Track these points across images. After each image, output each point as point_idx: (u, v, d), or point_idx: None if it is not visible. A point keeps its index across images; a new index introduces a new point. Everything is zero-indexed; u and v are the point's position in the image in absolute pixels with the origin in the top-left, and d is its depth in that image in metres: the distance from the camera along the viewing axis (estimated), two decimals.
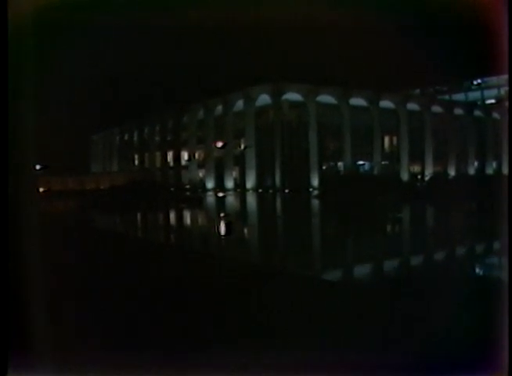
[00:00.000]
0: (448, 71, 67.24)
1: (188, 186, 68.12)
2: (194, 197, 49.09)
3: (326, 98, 65.42)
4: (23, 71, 5.54)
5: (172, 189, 54.98)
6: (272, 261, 13.00)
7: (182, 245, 17.20)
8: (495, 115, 76.74)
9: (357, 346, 5.36)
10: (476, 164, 77.30)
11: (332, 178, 55.01)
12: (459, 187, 37.84)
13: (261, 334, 5.84)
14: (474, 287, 8.94)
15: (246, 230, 21.05)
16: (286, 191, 59.79)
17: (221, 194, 58.21)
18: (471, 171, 75.33)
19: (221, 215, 24.38)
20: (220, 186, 67.56)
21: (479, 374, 4.47)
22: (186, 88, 70.92)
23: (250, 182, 65.19)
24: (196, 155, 75.13)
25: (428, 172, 68.32)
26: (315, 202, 40.83)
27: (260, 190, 63.00)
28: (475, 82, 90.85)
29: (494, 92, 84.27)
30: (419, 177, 67.88)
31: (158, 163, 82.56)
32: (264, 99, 63.59)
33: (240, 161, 67.25)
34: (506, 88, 52.92)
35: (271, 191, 61.24)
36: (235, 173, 69.15)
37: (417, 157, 71.87)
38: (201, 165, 73.98)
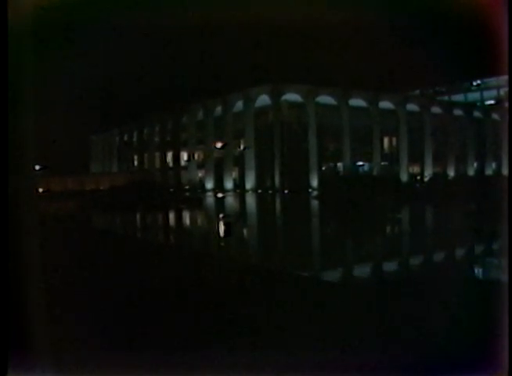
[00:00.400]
0: (447, 72, 67.26)
1: (187, 187, 68.08)
2: (194, 197, 49.07)
3: (325, 99, 65.42)
4: (23, 71, 5.54)
5: (172, 189, 54.93)
6: (271, 261, 13.00)
7: (181, 245, 17.19)
8: (495, 116, 76.77)
9: (357, 346, 5.36)
10: (475, 164, 77.31)
11: (331, 178, 54.91)
12: (458, 188, 37.83)
13: (261, 334, 5.84)
14: (474, 287, 8.94)
15: (245, 231, 21.05)
16: (286, 192, 59.78)
17: (220, 195, 58.20)
18: (471, 172, 75.34)
19: (221, 215, 24.38)
20: (219, 186, 67.53)
21: (479, 374, 4.47)
22: (186, 88, 70.93)
23: (249, 183, 65.17)
24: (196, 156, 75.10)
25: (428, 173, 68.32)
26: (315, 203, 40.81)
27: (259, 191, 62.99)
28: (475, 83, 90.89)
29: (493, 92, 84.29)
30: (418, 178, 67.87)
31: (158, 163, 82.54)
32: (263, 99, 63.58)
33: (240, 162, 67.23)
34: (506, 89, 52.98)
35: (270, 192, 61.23)
36: (234, 174, 69.12)
37: (417, 157, 71.87)
38: (201, 166, 73.94)
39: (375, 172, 65.14)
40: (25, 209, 5.91)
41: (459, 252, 14.60)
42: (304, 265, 12.39)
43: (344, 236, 18.25)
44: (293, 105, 64.79)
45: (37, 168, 38.52)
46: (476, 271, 11.81)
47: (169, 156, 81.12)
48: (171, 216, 31.68)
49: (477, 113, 78.99)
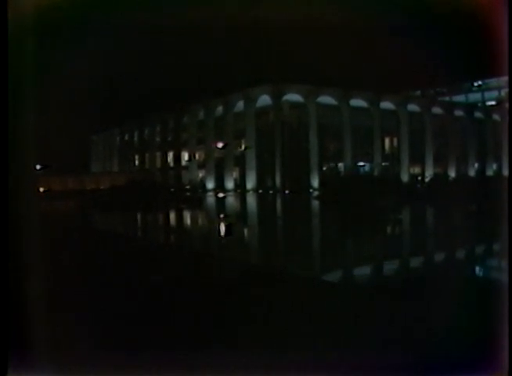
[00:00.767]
0: (448, 73, 67.26)
1: (188, 187, 68.09)
2: (194, 197, 49.06)
3: (326, 99, 65.44)
4: (23, 71, 5.54)
5: (172, 189, 54.93)
6: (271, 261, 12.99)
7: (181, 245, 17.19)
8: (496, 117, 76.75)
9: (357, 346, 5.36)
10: (476, 165, 77.30)
11: (332, 179, 54.95)
12: (459, 189, 37.82)
13: (260, 335, 5.84)
14: (474, 287, 8.94)
15: (246, 231, 21.05)
16: (287, 192, 59.79)
17: (221, 195, 58.21)
18: (472, 172, 75.32)
19: (221, 215, 24.43)
20: (220, 186, 67.56)
21: (479, 374, 4.47)
22: (187, 88, 70.93)
23: (250, 183, 65.19)
24: (197, 155, 75.15)
25: (428, 174, 68.31)
26: (315, 203, 40.82)
27: (260, 191, 63.00)
28: (476, 84, 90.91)
29: (494, 93, 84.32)
30: (419, 178, 67.85)
31: (158, 163, 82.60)
32: (264, 99, 63.61)
33: (241, 162, 67.26)
34: (507, 90, 52.97)
35: (271, 192, 61.24)
36: (235, 174, 69.16)
37: (418, 158, 71.87)
38: (201, 166, 73.99)
39: (376, 173, 65.14)
40: (25, 209, 5.91)
41: (459, 252, 14.59)
42: (305, 266, 12.39)
43: (345, 237, 18.25)
44: (294, 105, 64.83)
45: (38, 167, 38.58)
46: (476, 271, 11.81)
47: (170, 156, 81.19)
48: (172, 216, 31.68)
49: (478, 114, 78.99)
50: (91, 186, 59.94)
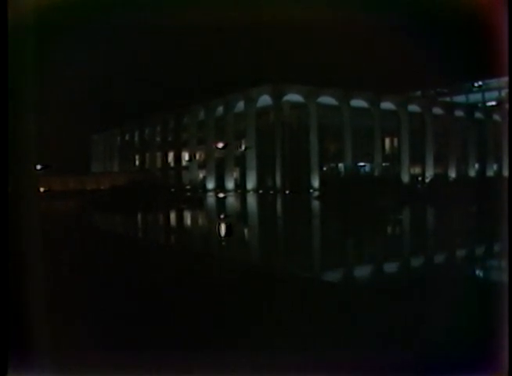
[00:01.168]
0: (449, 73, 67.25)
1: (188, 187, 68.13)
2: (195, 197, 49.06)
3: (326, 99, 65.45)
4: (24, 71, 5.54)
5: (173, 189, 54.94)
6: (271, 261, 12.99)
7: (181, 245, 17.19)
8: (496, 117, 76.75)
9: (357, 346, 5.36)
10: (477, 166, 77.31)
11: (332, 179, 54.93)
12: (459, 189, 37.80)
13: (261, 335, 5.84)
14: (474, 287, 8.94)
15: (246, 231, 21.05)
16: (287, 192, 59.80)
17: (221, 195, 58.22)
18: (472, 173, 75.33)
19: (222, 216, 24.43)
20: (220, 186, 67.59)
21: (479, 374, 4.47)
22: (187, 88, 71.00)
23: (250, 183, 65.20)
24: (197, 156, 75.19)
25: (429, 174, 68.32)
26: (316, 203, 40.82)
27: (260, 191, 63.02)
28: (476, 84, 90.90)
29: (495, 94, 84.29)
30: (419, 179, 67.86)
31: (159, 163, 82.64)
32: (265, 100, 63.62)
33: (241, 162, 67.27)
34: (507, 91, 52.96)
35: (271, 192, 61.25)
36: (235, 174, 69.18)
37: (418, 158, 71.87)
38: (202, 166, 74.02)
39: (376, 173, 65.13)
40: (26, 209, 5.92)
41: (459, 252, 14.59)
42: (305, 266, 12.38)
43: (345, 237, 18.24)
44: (294, 105, 64.83)
45: (38, 167, 38.62)
46: (476, 271, 11.80)
47: (170, 156, 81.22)
48: (172, 216, 31.68)
49: (478, 115, 78.99)
50: (91, 186, 59.96)
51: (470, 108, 79.98)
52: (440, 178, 62.04)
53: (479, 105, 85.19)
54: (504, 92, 75.21)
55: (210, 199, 52.72)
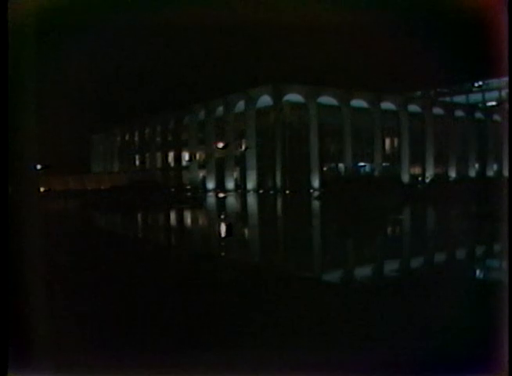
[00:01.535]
0: (449, 73, 67.30)
1: (189, 187, 68.17)
2: (195, 197, 49.07)
3: (327, 99, 65.45)
4: (24, 71, 5.54)
5: (173, 189, 54.96)
6: (271, 261, 12.99)
7: (182, 245, 17.19)
8: (496, 117, 76.77)
9: (357, 346, 5.36)
10: (477, 166, 77.33)
11: (333, 179, 54.93)
12: (459, 189, 37.81)
13: (261, 335, 5.84)
14: (474, 287, 8.93)
15: (246, 231, 21.05)
16: (287, 192, 59.80)
17: (221, 195, 58.23)
18: (472, 173, 75.35)
19: (222, 216, 24.45)
20: (221, 186, 67.62)
21: (479, 374, 4.47)
22: (188, 88, 71.03)
23: (250, 183, 65.21)
24: (197, 156, 75.22)
25: (429, 174, 68.33)
26: (316, 203, 40.82)
27: (261, 191, 63.03)
28: (476, 84, 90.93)
29: (495, 94, 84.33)
30: (420, 179, 67.88)
31: (159, 163, 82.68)
32: (265, 100, 63.64)
33: (241, 162, 67.29)
34: (507, 91, 52.95)
35: (272, 192, 61.26)
36: (236, 174, 69.20)
37: (418, 159, 71.90)
38: (202, 166, 74.05)
39: (376, 173, 65.17)
40: (26, 209, 5.92)
41: (459, 252, 14.58)
42: (305, 266, 12.38)
43: (345, 237, 18.24)
44: (294, 105, 64.82)
45: (38, 167, 38.64)
46: (476, 271, 11.80)
47: (170, 156, 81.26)
48: (172, 216, 31.68)
49: (478, 115, 79.02)
50: (91, 185, 60.00)
51: (471, 108, 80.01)
52: (440, 178, 62.06)
53: (479, 105, 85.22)
54: (504, 92, 75.28)
55: (211, 199, 52.72)
